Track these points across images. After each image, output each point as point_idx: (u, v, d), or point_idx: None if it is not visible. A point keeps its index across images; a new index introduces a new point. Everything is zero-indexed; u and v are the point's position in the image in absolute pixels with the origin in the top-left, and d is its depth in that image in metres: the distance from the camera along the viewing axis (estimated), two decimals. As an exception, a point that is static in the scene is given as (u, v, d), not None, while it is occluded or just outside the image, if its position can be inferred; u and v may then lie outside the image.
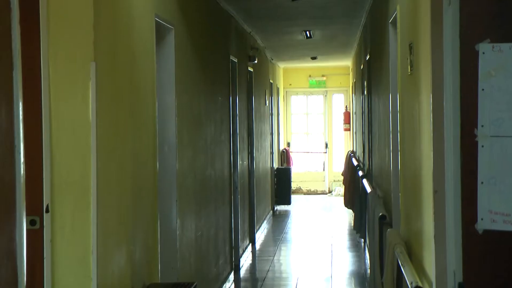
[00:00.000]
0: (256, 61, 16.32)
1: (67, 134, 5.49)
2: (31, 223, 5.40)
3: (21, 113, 4.04)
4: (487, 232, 3.83)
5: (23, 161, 4.07)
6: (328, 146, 27.15)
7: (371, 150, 13.94)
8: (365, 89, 15.15)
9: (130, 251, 6.46)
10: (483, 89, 3.84)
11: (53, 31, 5.48)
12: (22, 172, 4.03)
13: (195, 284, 6.98)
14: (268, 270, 13.99)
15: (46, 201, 5.45)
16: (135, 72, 6.78)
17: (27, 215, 4.73)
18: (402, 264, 6.62)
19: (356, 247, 15.69)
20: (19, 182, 3.97)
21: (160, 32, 7.96)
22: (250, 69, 16.10)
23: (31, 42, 5.33)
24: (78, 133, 5.50)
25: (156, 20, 7.59)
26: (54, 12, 5.48)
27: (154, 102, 7.55)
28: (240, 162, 14.14)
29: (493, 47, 3.83)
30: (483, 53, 3.85)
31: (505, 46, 3.82)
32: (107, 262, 5.80)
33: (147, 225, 7.15)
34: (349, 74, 25.15)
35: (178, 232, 8.37)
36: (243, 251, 14.55)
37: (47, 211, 5.46)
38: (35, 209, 5.42)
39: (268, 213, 20.12)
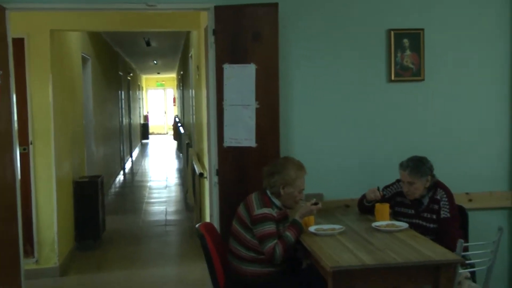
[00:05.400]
0: (132, 74, 15.92)
1: (39, 108, 5.28)
2: (23, 149, 5.19)
3: (14, 99, 3.90)
4: (228, 147, 3.94)
5: (16, 120, 3.93)
6: (166, 113, 26.86)
7: (184, 114, 13.97)
8: (181, 87, 15.11)
9: (71, 162, 6.29)
10: (226, 84, 3.90)
11: (32, 60, 5.24)
12: (16, 125, 3.91)
13: (102, 176, 6.84)
14: (139, 169, 13.83)
15: (30, 138, 5.25)
16: (72, 79, 6.54)
17: (20, 145, 4.55)
18: (194, 163, 6.75)
19: (178, 157, 15.70)
20: (14, 129, 3.85)
21: (84, 60, 7.68)
22: (129, 78, 15.67)
23: (20, 66, 5.08)
24: (44, 107, 5.29)
25: (82, 54, 7.32)
26: (32, 52, 5.24)
27: (81, 93, 7.31)
28: (124, 120, 13.83)
29: (229, 66, 3.91)
30: (226, 68, 3.91)
31: (234, 65, 3.89)
32: (60, 167, 5.63)
33: (79, 150, 6.96)
34: (174, 80, 24.87)
35: (95, 154, 8.18)
36: (126, 161, 14.30)
37: (31, 143, 5.26)
38: (25, 143, 5.22)
39: (138, 143, 19.75)
